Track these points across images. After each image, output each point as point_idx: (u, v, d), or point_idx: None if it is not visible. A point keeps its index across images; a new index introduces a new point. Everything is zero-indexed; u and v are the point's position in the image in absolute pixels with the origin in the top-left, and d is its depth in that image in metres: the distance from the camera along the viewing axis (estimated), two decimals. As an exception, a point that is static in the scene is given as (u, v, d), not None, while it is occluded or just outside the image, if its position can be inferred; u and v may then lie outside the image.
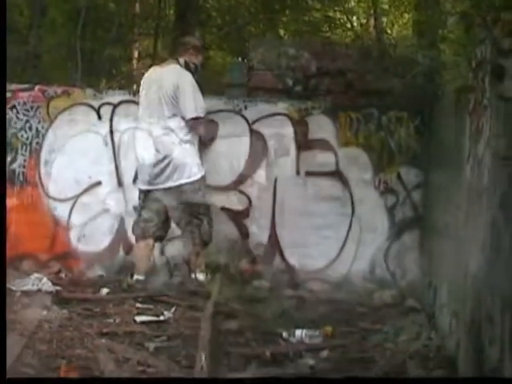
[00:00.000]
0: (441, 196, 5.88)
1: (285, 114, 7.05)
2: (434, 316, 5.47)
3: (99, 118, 7.07)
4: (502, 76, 3.07)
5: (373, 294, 6.53)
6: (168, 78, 6.34)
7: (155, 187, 6.34)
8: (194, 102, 6.28)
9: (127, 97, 7.16)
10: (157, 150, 6.27)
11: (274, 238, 6.90)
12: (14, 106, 7.06)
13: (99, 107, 7.09)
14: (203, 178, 6.37)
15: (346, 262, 6.90)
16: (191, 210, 6.28)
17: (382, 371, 4.22)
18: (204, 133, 6.52)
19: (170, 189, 6.28)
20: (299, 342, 4.87)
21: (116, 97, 7.17)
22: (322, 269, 6.89)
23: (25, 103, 7.08)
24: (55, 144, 7.06)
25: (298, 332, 4.94)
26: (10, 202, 6.93)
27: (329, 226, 6.92)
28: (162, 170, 6.26)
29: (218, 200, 6.78)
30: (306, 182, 6.97)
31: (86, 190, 7.03)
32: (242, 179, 6.90)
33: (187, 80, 6.32)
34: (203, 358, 3.89)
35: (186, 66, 6.47)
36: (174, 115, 6.27)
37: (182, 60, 6.51)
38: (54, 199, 7.04)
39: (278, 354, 4.50)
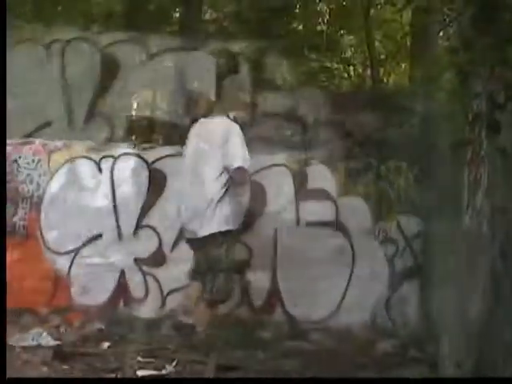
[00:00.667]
0: (441, 245, 5.89)
1: (283, 165, 7.08)
2: (436, 366, 5.43)
3: (99, 170, 7.11)
4: (497, 129, 3.11)
5: (374, 345, 6.49)
6: (217, 129, 6.23)
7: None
8: (242, 152, 6.11)
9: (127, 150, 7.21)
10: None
11: (275, 288, 6.87)
12: (15, 160, 7.11)
13: (100, 160, 7.14)
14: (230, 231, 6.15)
15: (346, 312, 6.85)
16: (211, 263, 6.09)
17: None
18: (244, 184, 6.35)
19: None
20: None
21: (117, 149, 7.21)
22: (324, 319, 6.85)
23: (26, 157, 7.13)
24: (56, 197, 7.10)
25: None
26: (10, 255, 6.95)
27: (330, 276, 6.90)
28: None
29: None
30: (306, 232, 6.97)
31: (85, 243, 7.03)
32: (242, 229, 6.87)
33: (236, 131, 6.18)
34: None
35: (235, 120, 6.37)
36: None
37: (231, 115, 6.42)
38: (54, 252, 7.03)
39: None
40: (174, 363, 5.41)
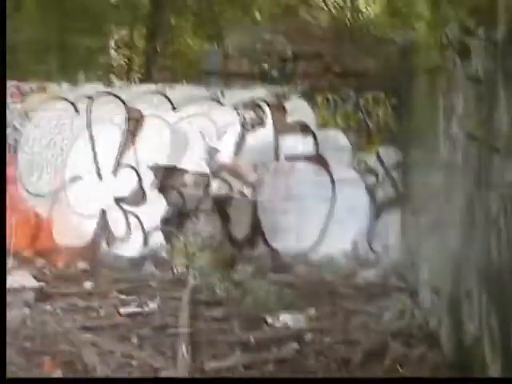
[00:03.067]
0: (419, 174, 5.90)
1: (262, 100, 7.03)
2: (416, 294, 5.51)
3: (76, 111, 7.06)
4: (468, 55, 3.08)
5: (356, 274, 6.56)
6: None
7: None
8: None
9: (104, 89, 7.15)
10: None
11: (256, 222, 6.90)
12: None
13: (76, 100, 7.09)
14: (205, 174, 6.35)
15: (328, 244, 6.91)
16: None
17: (366, 352, 4.25)
18: None
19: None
20: (284, 327, 4.87)
21: (93, 89, 7.15)
22: (306, 251, 6.91)
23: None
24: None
25: (283, 316, 4.94)
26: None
27: (311, 209, 6.94)
28: None
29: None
30: (286, 166, 6.97)
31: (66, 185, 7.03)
32: (222, 166, 6.86)
33: None
34: (183, 347, 3.91)
35: None
36: None
37: None
38: (34, 195, 7.03)
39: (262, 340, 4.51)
40: (156, 300, 5.47)
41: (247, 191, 6.86)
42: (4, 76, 5.08)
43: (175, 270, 6.35)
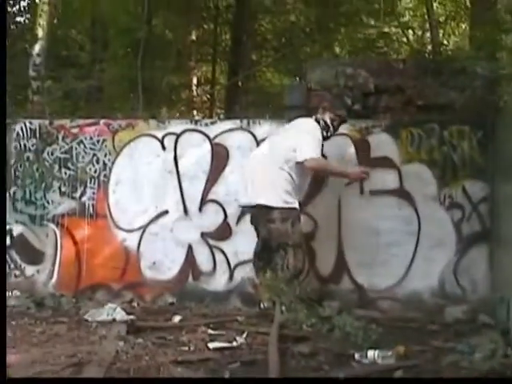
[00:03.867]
0: (508, 209, 5.82)
1: (346, 134, 7.06)
2: (508, 332, 5.40)
3: (163, 148, 7.24)
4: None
5: (443, 311, 6.48)
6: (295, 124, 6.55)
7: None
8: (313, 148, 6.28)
9: (189, 126, 7.32)
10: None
11: (341, 258, 6.89)
12: (82, 141, 7.32)
13: (163, 137, 7.26)
14: (296, 209, 6.35)
15: (414, 279, 6.85)
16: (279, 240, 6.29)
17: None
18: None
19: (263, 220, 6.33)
20: (372, 363, 4.84)
21: (179, 126, 7.32)
22: (391, 287, 6.87)
23: (91, 137, 7.32)
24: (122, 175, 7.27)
25: (371, 353, 4.92)
26: (82, 234, 7.21)
27: (396, 244, 6.90)
28: None
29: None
30: (371, 201, 6.96)
31: (153, 220, 7.20)
32: (307, 201, 6.90)
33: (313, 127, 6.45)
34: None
35: (317, 120, 6.56)
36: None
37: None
38: (123, 230, 7.22)
39: (351, 377, 4.49)
40: (244, 335, 5.52)
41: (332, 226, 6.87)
42: (4, 66, 5.22)
43: (262, 305, 6.38)
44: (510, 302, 5.52)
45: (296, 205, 6.32)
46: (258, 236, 6.53)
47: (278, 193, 6.24)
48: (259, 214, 6.33)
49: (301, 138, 6.30)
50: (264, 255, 6.45)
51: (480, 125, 6.89)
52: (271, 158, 6.35)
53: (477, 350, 4.98)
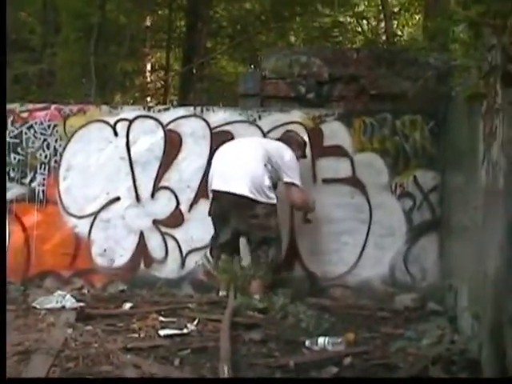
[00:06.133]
0: (458, 198, 5.90)
1: (299, 122, 7.07)
2: (455, 319, 5.49)
3: (115, 134, 7.16)
4: (511, 82, 3.09)
5: (393, 298, 6.57)
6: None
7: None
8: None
9: (142, 112, 7.25)
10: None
11: (293, 245, 6.92)
12: (32, 126, 7.19)
13: (115, 123, 7.18)
14: (275, 204, 6.45)
15: (366, 268, 6.91)
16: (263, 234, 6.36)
17: (406, 376, 4.23)
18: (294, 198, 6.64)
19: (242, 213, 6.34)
20: (322, 350, 4.87)
21: (131, 112, 7.25)
22: (343, 275, 6.92)
23: (42, 122, 7.20)
24: (73, 161, 7.17)
25: (321, 340, 4.95)
26: (31, 220, 7.10)
27: (347, 232, 6.95)
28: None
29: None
30: (323, 189, 6.99)
31: (104, 206, 7.13)
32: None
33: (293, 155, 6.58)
34: (225, 369, 3.91)
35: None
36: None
37: None
38: (74, 216, 7.13)
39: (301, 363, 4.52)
40: (195, 322, 5.50)
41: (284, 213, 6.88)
42: (4, 72, 5.16)
43: (220, 293, 6.39)
44: (458, 289, 5.60)
45: (275, 200, 6.41)
46: (222, 224, 6.49)
47: (262, 189, 6.31)
48: (237, 204, 6.30)
49: (288, 162, 6.47)
50: (232, 244, 6.47)
51: (432, 115, 6.98)
52: (255, 154, 6.43)
53: (424, 336, 5.06)
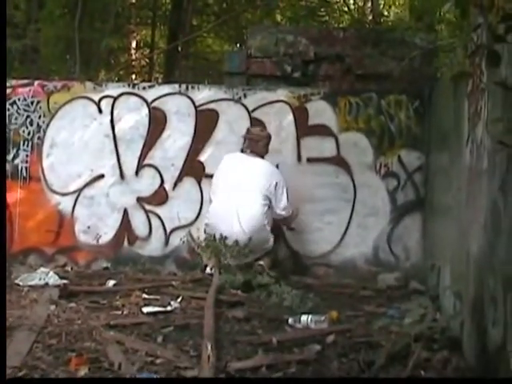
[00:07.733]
0: (442, 178, 5.91)
1: (284, 101, 7.06)
2: (437, 298, 5.52)
3: (100, 111, 7.12)
4: (497, 62, 3.08)
5: (376, 277, 6.60)
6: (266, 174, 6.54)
7: None
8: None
9: (127, 89, 7.20)
10: None
11: (277, 224, 6.92)
12: (15, 102, 7.12)
13: (99, 100, 7.13)
14: None
15: (349, 247, 6.94)
16: None
17: (388, 354, 4.25)
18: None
19: None
20: (305, 328, 4.90)
21: (116, 89, 7.20)
22: (326, 254, 6.95)
23: (25, 99, 7.14)
24: (57, 138, 7.12)
25: (304, 318, 4.97)
26: (14, 197, 7.04)
27: (331, 211, 6.97)
28: None
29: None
30: (308, 168, 7.00)
31: (88, 184, 7.09)
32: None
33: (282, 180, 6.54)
34: (209, 346, 3.91)
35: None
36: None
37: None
38: (58, 193, 7.10)
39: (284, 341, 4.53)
40: (178, 300, 5.51)
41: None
42: (4, 75, 5.12)
43: (200, 270, 6.39)
44: (440, 268, 5.64)
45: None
46: None
47: (266, 229, 6.41)
48: None
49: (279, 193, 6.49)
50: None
51: (417, 95, 6.98)
52: (254, 191, 6.43)
53: (407, 314, 5.08)
